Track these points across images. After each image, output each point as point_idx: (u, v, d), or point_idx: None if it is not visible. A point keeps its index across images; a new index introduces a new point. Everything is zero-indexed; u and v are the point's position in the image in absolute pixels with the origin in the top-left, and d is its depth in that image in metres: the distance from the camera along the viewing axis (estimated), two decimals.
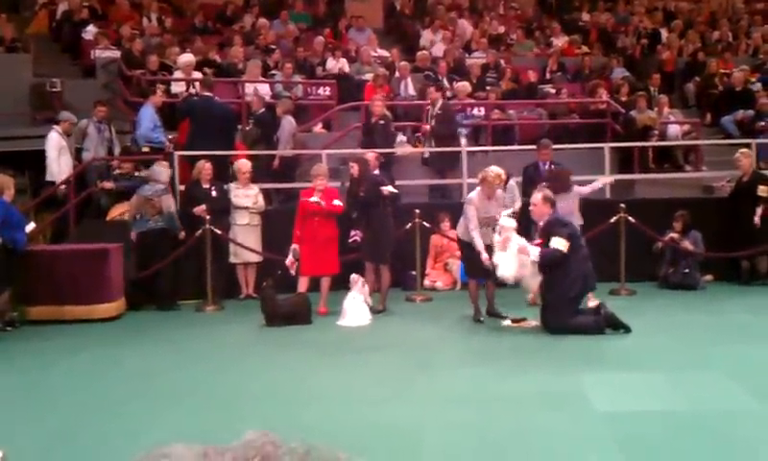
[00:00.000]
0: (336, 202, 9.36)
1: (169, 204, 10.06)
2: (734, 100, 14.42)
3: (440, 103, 11.98)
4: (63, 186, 11.10)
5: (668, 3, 20.46)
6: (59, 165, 11.14)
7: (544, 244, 8.11)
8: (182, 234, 10.09)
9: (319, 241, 9.30)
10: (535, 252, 8.04)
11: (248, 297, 10.57)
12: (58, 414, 5.77)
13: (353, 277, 9.07)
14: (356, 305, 8.85)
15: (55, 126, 11.35)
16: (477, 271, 8.78)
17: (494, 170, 8.68)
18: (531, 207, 8.55)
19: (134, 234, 10.06)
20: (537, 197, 8.42)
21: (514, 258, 8.02)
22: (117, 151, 11.88)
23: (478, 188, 8.77)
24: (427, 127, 12.19)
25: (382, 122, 11.65)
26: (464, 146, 12.52)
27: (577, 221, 9.34)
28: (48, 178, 11.24)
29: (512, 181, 10.81)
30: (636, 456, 4.66)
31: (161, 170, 10.26)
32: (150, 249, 9.91)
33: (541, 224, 8.32)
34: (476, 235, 8.53)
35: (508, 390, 6.02)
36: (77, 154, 11.56)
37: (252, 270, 10.67)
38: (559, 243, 7.94)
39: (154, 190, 10.03)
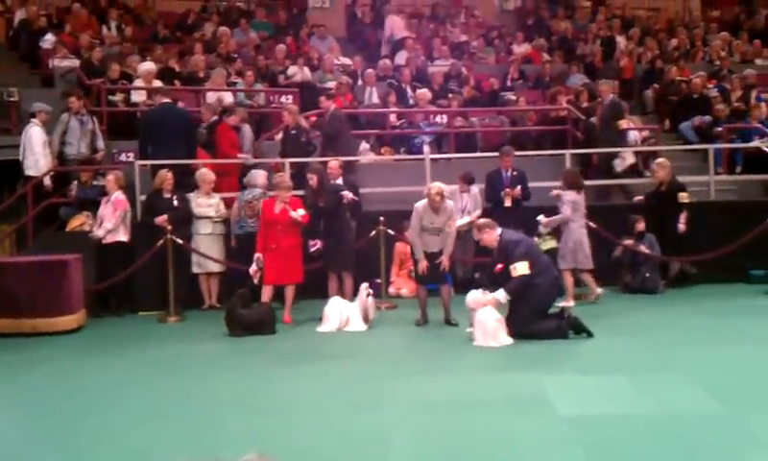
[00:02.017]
0: (302, 212, 9.34)
1: None
2: (692, 106, 14.65)
3: (331, 109, 11.98)
4: (47, 181, 11.08)
5: (626, 11, 20.75)
6: (45, 158, 11.02)
7: (504, 268, 8.13)
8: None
9: (282, 250, 9.26)
10: (502, 294, 7.96)
11: (210, 307, 10.49)
12: (18, 428, 5.68)
13: (363, 285, 9.09)
14: (346, 311, 8.94)
15: (33, 119, 11.20)
16: (425, 277, 8.91)
17: (435, 187, 8.75)
18: (479, 241, 8.65)
19: (234, 239, 10.37)
20: (475, 234, 8.71)
21: (484, 331, 7.89)
22: (101, 144, 11.72)
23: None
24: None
25: (294, 132, 11.61)
26: (426, 153, 12.57)
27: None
28: (30, 172, 11.04)
29: (474, 188, 10.88)
30: (600, 460, 4.70)
31: (259, 174, 10.45)
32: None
33: (495, 247, 8.35)
34: (416, 242, 8.84)
35: (473, 395, 6.04)
36: (60, 149, 11.37)
37: (214, 280, 10.59)
38: (522, 268, 7.99)
39: (252, 194, 10.19)
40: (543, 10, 20.30)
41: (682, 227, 10.84)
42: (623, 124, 12.26)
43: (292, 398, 6.22)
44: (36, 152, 10.97)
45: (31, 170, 11.06)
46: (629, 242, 10.79)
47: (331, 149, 11.51)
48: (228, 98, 13.26)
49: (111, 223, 10.09)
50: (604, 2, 21.26)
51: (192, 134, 11.25)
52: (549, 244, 10.02)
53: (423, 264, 8.77)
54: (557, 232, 10.03)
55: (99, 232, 10.11)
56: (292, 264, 9.37)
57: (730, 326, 8.60)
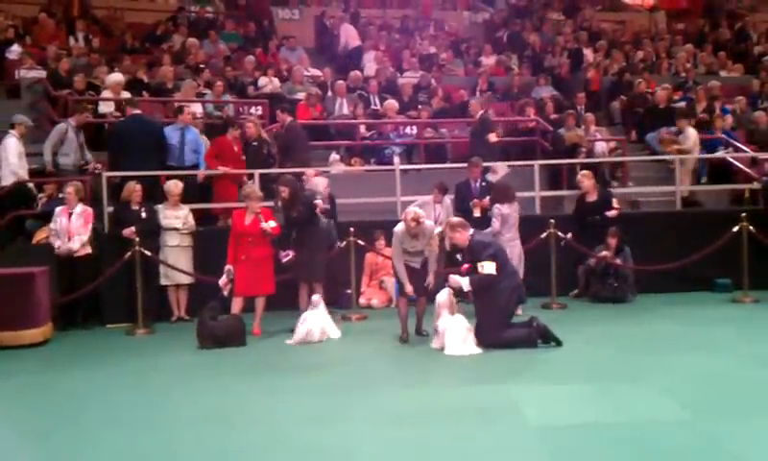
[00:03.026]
0: (273, 224, 9.32)
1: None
2: (658, 117, 14.83)
3: (287, 122, 12.03)
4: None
5: (593, 23, 20.99)
6: (21, 169, 10.96)
7: (471, 267, 8.21)
8: (337, 246, 10.22)
9: (253, 261, 9.23)
10: (465, 281, 8.14)
11: (179, 319, 10.42)
12: None
13: (315, 297, 9.10)
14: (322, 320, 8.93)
15: (11, 130, 11.11)
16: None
17: (411, 213, 8.57)
18: (451, 240, 8.66)
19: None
20: (447, 232, 8.71)
21: (455, 338, 7.96)
22: (89, 156, 11.62)
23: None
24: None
25: (255, 144, 11.64)
26: (396, 164, 12.60)
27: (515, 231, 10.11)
28: (5, 182, 10.95)
29: (446, 199, 10.92)
30: None
31: (319, 181, 10.50)
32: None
33: (465, 246, 8.43)
34: (399, 268, 8.69)
35: (443, 406, 6.05)
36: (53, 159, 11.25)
37: (183, 292, 10.51)
38: (489, 268, 8.08)
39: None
40: (515, 24, 20.42)
41: (612, 213, 11.04)
42: (492, 137, 12.41)
43: (259, 411, 6.19)
44: (11, 163, 10.87)
45: (6, 180, 10.96)
46: (605, 253, 10.84)
47: (287, 160, 11.53)
48: (197, 109, 13.21)
49: (86, 236, 9.98)
50: (574, 15, 21.49)
51: (163, 146, 11.22)
52: None
53: (409, 288, 8.67)
54: None
55: (73, 245, 9.94)
56: (262, 275, 9.32)
57: (696, 334, 8.71)
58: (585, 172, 11.52)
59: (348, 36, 18.07)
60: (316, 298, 9.09)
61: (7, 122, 11.73)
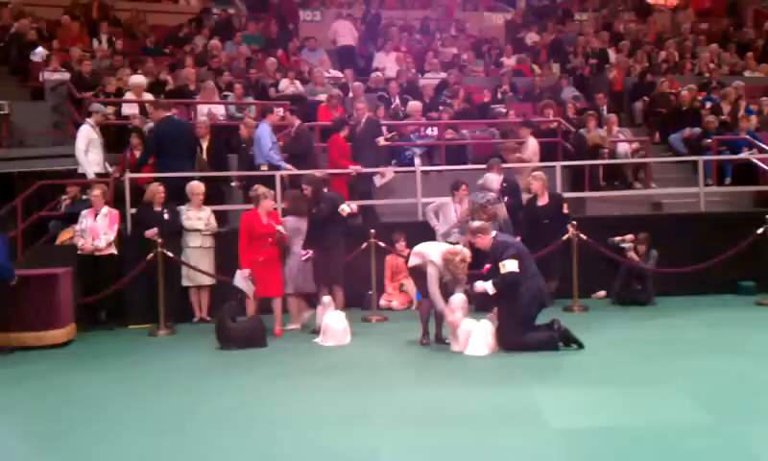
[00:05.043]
0: (282, 229, 9.34)
1: (503, 212, 10.36)
2: (682, 118, 14.71)
3: (296, 125, 12.05)
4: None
5: (616, 24, 20.85)
6: (86, 157, 11.18)
7: (492, 268, 8.17)
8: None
9: (270, 261, 9.25)
10: (489, 285, 8.09)
11: (201, 320, 10.46)
12: (2, 444, 5.66)
13: (326, 299, 9.08)
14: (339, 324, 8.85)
15: (87, 119, 11.41)
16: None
17: (461, 253, 8.30)
18: (473, 245, 8.56)
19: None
20: (468, 237, 8.66)
21: (480, 339, 7.98)
22: None
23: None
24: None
25: (244, 146, 11.86)
26: (417, 166, 12.58)
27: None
28: (80, 169, 11.25)
29: (466, 200, 10.88)
30: None
31: (493, 178, 10.63)
32: None
33: (489, 249, 8.37)
34: (438, 297, 8.29)
35: (464, 409, 6.03)
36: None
37: (205, 293, 10.56)
38: (511, 265, 8.03)
39: (486, 198, 10.24)
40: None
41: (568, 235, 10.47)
42: (381, 141, 12.30)
43: (279, 412, 6.20)
44: (79, 149, 11.15)
45: (79, 168, 11.25)
46: (633, 257, 10.78)
47: (300, 166, 11.50)
48: (219, 111, 13.28)
49: (113, 236, 10.10)
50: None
51: (195, 147, 11.46)
52: None
53: (455, 317, 8.19)
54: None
55: (100, 243, 10.02)
56: (277, 276, 9.37)
57: (720, 337, 8.63)
58: (536, 173, 10.93)
59: (338, 32, 17.86)
60: (327, 300, 9.09)
61: (32, 124, 11.94)
